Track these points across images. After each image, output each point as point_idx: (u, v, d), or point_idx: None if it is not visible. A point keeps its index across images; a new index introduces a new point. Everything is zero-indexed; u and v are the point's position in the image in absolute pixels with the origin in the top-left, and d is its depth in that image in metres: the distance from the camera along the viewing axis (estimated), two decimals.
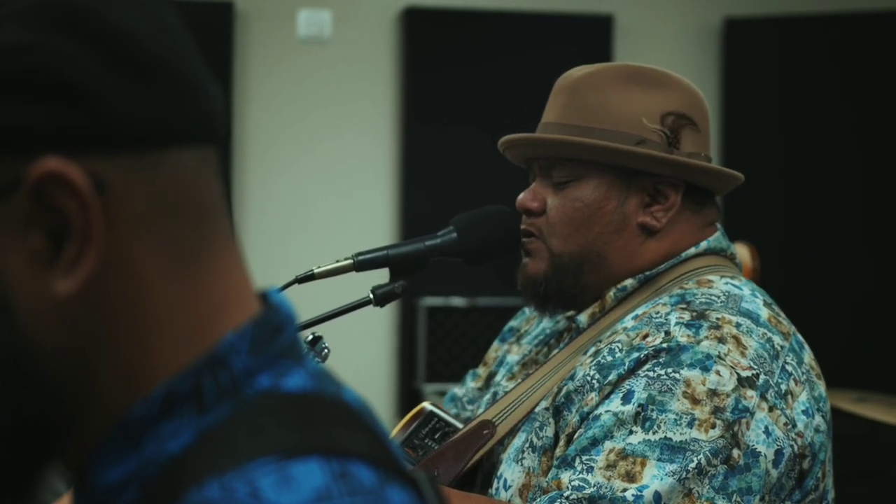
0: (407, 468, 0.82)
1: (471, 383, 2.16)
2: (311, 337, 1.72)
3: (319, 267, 1.87)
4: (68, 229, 0.75)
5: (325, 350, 1.71)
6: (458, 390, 2.18)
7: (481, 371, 2.16)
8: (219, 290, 0.82)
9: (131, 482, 0.78)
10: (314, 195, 5.79)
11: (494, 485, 1.79)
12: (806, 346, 1.80)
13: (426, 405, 1.99)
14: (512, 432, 1.81)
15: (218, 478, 0.73)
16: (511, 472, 1.77)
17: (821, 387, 1.76)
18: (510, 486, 1.76)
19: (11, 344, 0.76)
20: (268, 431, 0.77)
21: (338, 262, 1.88)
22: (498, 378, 2.04)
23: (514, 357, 2.05)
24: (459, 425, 1.92)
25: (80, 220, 0.75)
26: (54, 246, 0.75)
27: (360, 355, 5.76)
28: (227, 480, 0.73)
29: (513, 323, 2.16)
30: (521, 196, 1.89)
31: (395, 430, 1.95)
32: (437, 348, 5.61)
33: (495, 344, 2.16)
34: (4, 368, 0.77)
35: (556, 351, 1.90)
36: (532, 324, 2.09)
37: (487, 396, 2.01)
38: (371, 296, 1.87)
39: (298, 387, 0.81)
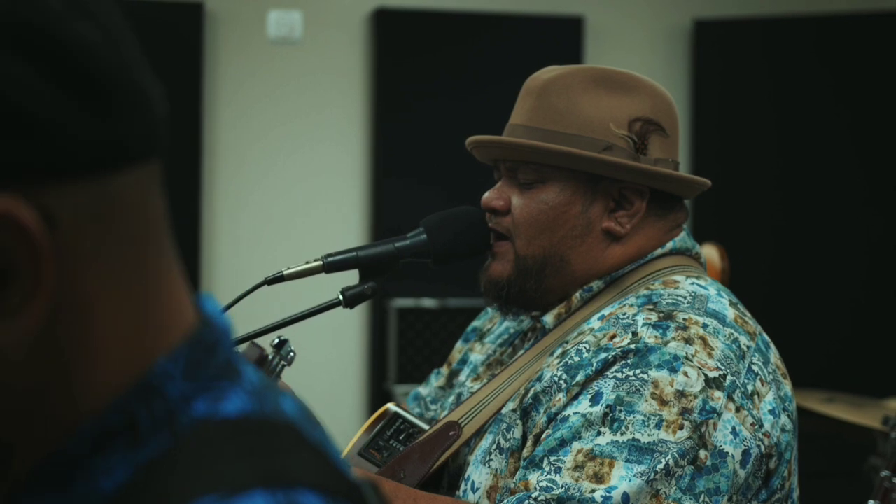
0: (352, 482, 0.79)
1: (434, 383, 2.16)
2: (277, 340, 1.71)
3: (289, 268, 1.87)
4: (16, 273, 0.69)
5: (292, 353, 1.71)
6: (422, 389, 2.19)
7: (444, 370, 2.16)
8: (161, 311, 0.77)
9: None
10: (284, 195, 5.78)
11: (462, 487, 1.79)
12: (772, 345, 1.81)
13: (390, 406, 1.99)
14: (478, 434, 1.81)
15: None
16: (478, 474, 1.77)
17: (787, 386, 1.77)
18: (478, 488, 1.76)
19: None
20: (208, 466, 0.72)
21: (307, 263, 1.87)
22: (462, 378, 2.04)
23: (477, 357, 2.05)
24: (425, 426, 1.92)
25: (30, 266, 0.69)
26: None
27: (331, 357, 5.76)
28: None
29: (476, 323, 2.16)
30: (486, 195, 1.90)
31: (359, 432, 1.95)
32: (408, 349, 5.61)
33: (458, 344, 2.16)
34: None
35: (521, 352, 1.91)
36: (495, 323, 2.09)
37: (451, 397, 2.02)
38: (341, 297, 1.87)
39: (237, 410, 0.77)
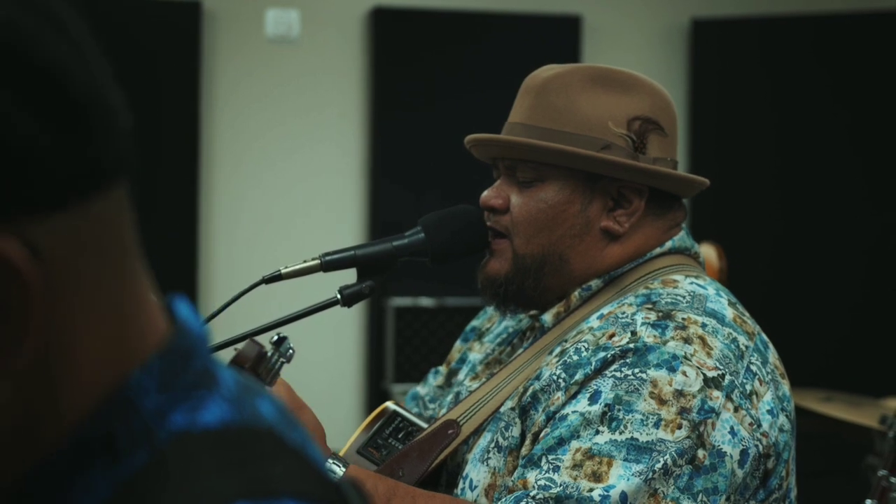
0: (333, 485, 0.78)
1: (433, 382, 2.16)
2: (276, 338, 1.71)
3: (286, 267, 1.86)
4: (4, 315, 0.68)
5: (291, 351, 1.70)
6: (420, 389, 2.18)
7: (443, 369, 2.16)
8: (135, 324, 0.76)
9: None
10: (282, 194, 5.77)
11: (460, 485, 1.79)
12: (770, 345, 1.81)
13: (389, 405, 1.98)
14: (477, 432, 1.81)
15: None
16: (477, 473, 1.77)
17: (785, 386, 1.77)
18: (476, 487, 1.76)
19: None
20: (187, 482, 0.72)
21: (305, 262, 1.87)
22: (461, 377, 2.04)
23: (476, 356, 2.05)
24: (423, 424, 1.91)
25: (20, 305, 0.68)
26: None
27: (329, 356, 5.76)
28: None
29: (475, 322, 2.16)
30: (484, 193, 1.89)
31: (358, 430, 1.95)
32: (406, 348, 5.61)
33: (457, 343, 2.16)
34: None
35: (520, 350, 1.90)
36: (494, 322, 2.09)
37: (450, 396, 2.01)
38: (339, 296, 1.86)
39: (216, 420, 0.76)
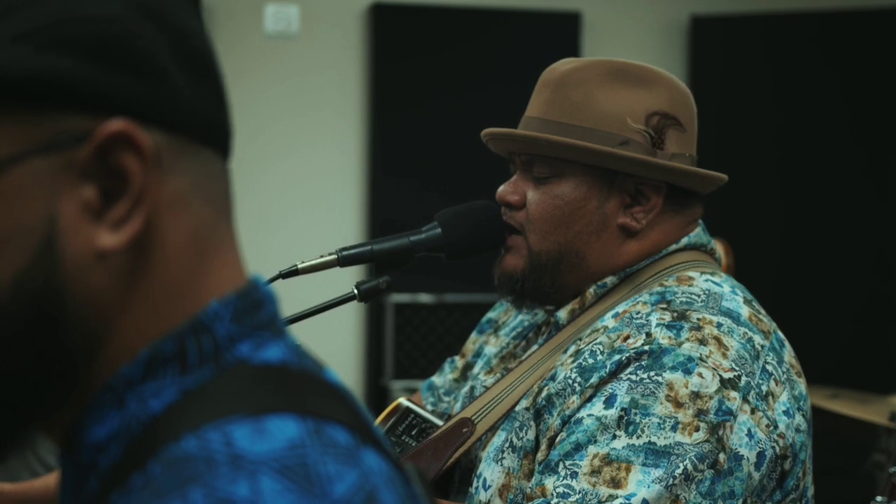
0: (384, 443, 0.84)
1: (448, 373, 2.14)
2: None
3: (303, 262, 1.85)
4: (124, 188, 0.79)
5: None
6: (436, 379, 2.17)
7: (459, 362, 2.14)
8: (221, 267, 0.86)
9: (115, 440, 0.81)
10: (281, 191, 5.76)
11: (474, 484, 1.77)
12: (786, 343, 1.79)
13: (402, 401, 1.97)
14: (491, 430, 1.79)
15: (194, 432, 0.76)
16: (490, 472, 1.75)
17: (801, 385, 1.75)
18: (490, 486, 1.74)
19: (48, 283, 0.78)
20: (246, 392, 0.80)
21: (322, 257, 1.86)
22: (476, 371, 2.02)
23: (491, 349, 2.03)
24: (438, 421, 1.90)
25: (139, 182, 0.79)
26: (104, 201, 0.79)
27: (328, 351, 5.74)
28: (202, 432, 0.76)
29: (491, 314, 2.14)
30: (500, 188, 1.87)
31: None
32: (405, 345, 5.60)
33: (473, 335, 2.14)
34: (33, 305, 0.78)
35: (535, 347, 1.89)
36: (510, 315, 2.07)
37: (465, 389, 2.00)
38: (355, 291, 1.85)
39: (278, 358, 0.84)
